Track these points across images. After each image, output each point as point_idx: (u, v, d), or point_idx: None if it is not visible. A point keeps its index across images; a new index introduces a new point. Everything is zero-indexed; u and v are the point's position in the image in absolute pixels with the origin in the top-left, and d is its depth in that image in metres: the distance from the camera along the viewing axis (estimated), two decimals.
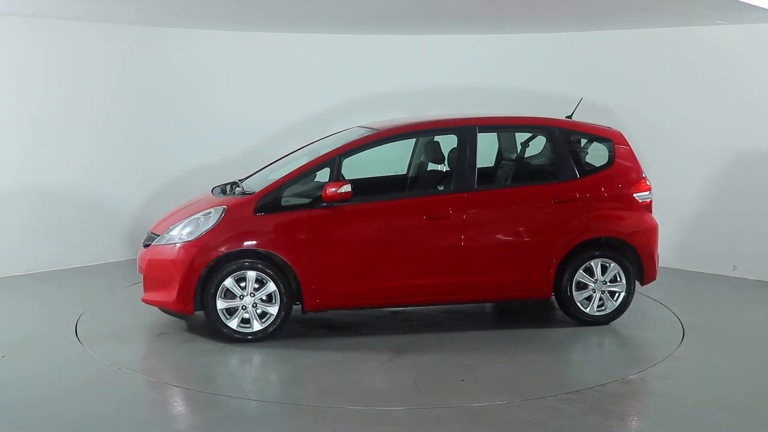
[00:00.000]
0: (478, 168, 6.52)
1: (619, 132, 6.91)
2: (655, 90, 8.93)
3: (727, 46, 8.39)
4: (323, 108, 9.92)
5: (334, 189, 6.07)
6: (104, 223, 9.06)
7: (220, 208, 6.18)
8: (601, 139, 6.83)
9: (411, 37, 9.79)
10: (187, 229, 6.18)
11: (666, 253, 6.66)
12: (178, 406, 5.15)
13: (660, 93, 8.89)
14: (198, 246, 6.04)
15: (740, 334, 6.57)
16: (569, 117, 7.08)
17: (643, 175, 6.77)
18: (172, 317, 6.60)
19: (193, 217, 6.26)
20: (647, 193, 6.72)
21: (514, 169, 7.08)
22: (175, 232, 6.24)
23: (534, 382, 5.48)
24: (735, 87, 8.40)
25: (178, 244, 6.14)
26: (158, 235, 6.40)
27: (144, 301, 6.39)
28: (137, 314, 6.90)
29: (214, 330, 6.17)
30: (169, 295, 6.11)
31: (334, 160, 6.28)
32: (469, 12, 7.78)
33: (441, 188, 6.82)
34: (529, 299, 7.12)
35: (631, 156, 6.79)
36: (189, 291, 6.03)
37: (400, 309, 7.04)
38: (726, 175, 8.52)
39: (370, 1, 7.14)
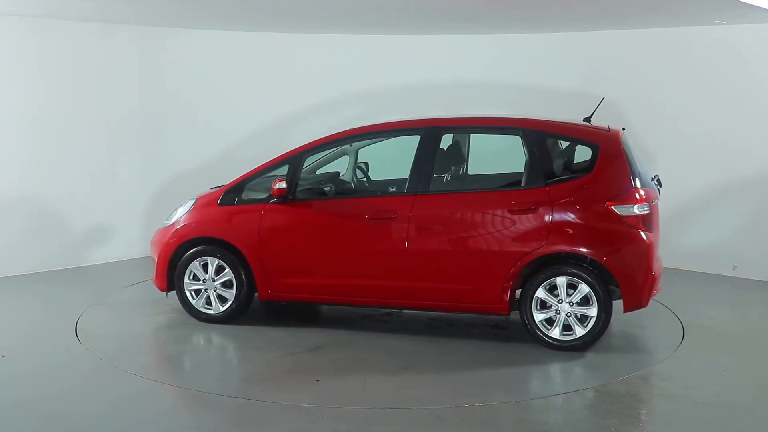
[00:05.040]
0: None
1: (613, 134, 6.06)
2: (657, 90, 8.92)
3: (735, 46, 8.38)
4: (324, 108, 9.91)
5: (276, 185, 6.29)
6: (104, 223, 9.07)
7: (193, 199, 6.79)
8: (584, 143, 6.06)
9: (411, 37, 9.79)
10: (173, 217, 6.83)
11: (666, 252, 6.57)
12: (178, 406, 5.15)
13: (662, 93, 8.89)
14: (170, 231, 6.69)
15: (740, 334, 6.57)
16: (588, 119, 6.43)
17: (635, 186, 5.85)
18: (171, 315, 6.81)
19: (177, 206, 6.91)
20: (635, 206, 5.78)
21: (479, 173, 7.00)
22: (167, 220, 6.90)
23: (534, 381, 5.50)
24: (738, 88, 8.40)
25: (162, 229, 6.84)
26: None
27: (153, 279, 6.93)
28: (137, 314, 6.96)
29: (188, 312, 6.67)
30: (154, 273, 6.80)
31: (294, 157, 6.48)
32: (471, 12, 7.78)
33: (393, 189, 6.76)
34: (485, 314, 6.50)
35: (621, 163, 5.88)
36: (164, 270, 6.65)
37: (395, 311, 7.02)
38: (726, 176, 8.52)
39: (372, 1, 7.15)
